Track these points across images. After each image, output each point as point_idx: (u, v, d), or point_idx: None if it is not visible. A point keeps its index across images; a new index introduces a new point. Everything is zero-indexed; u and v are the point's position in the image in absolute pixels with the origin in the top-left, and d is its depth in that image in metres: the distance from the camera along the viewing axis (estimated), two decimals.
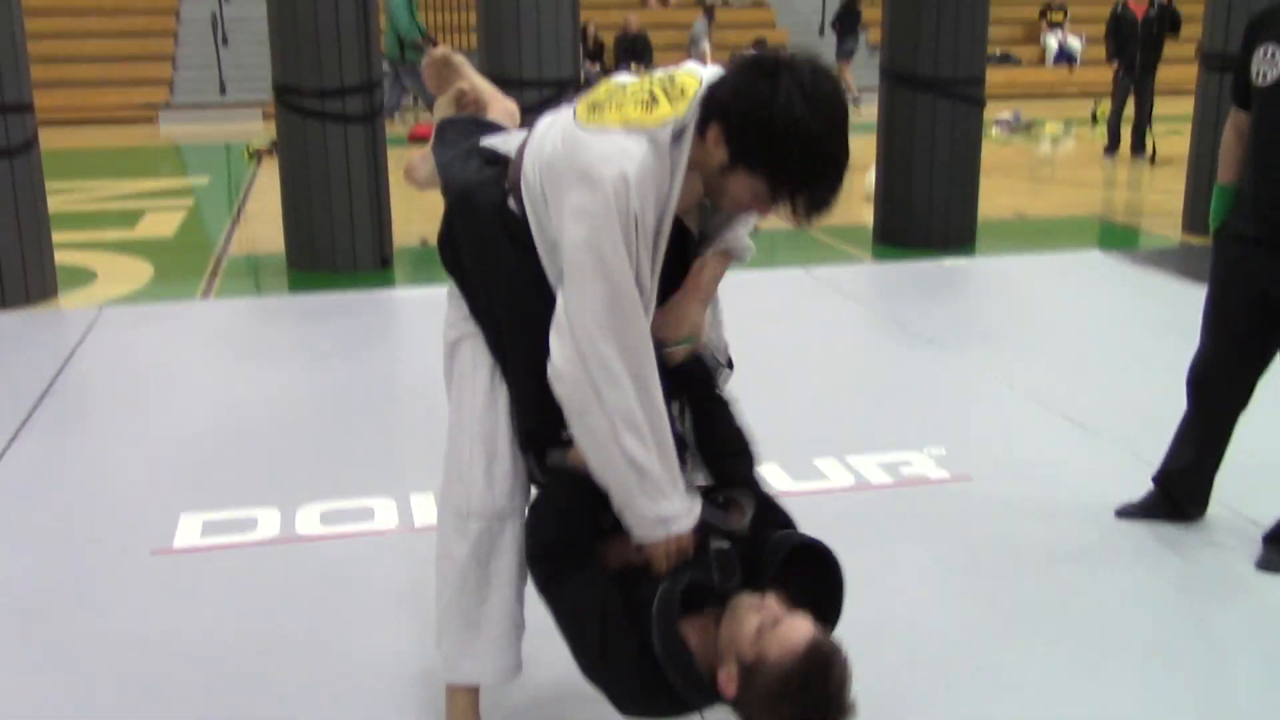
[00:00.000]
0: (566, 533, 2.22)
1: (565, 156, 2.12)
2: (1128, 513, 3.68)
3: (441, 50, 2.73)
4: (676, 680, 2.09)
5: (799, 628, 2.06)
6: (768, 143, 1.98)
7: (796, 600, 2.13)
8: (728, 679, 2.08)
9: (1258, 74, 3.23)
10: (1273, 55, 3.18)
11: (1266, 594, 3.24)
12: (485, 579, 2.39)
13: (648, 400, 2.08)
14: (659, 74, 2.18)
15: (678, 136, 2.07)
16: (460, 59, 2.73)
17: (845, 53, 16.68)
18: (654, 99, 2.10)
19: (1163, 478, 3.65)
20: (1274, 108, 3.20)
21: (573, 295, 2.07)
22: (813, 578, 2.24)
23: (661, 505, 2.12)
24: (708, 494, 2.27)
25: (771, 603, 2.09)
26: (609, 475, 2.12)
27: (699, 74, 2.14)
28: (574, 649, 2.21)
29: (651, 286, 2.12)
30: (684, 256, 2.28)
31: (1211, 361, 3.49)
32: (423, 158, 2.61)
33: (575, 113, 2.17)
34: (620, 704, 2.20)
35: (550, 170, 2.15)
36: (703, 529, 2.19)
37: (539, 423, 2.27)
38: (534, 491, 2.39)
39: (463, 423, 2.37)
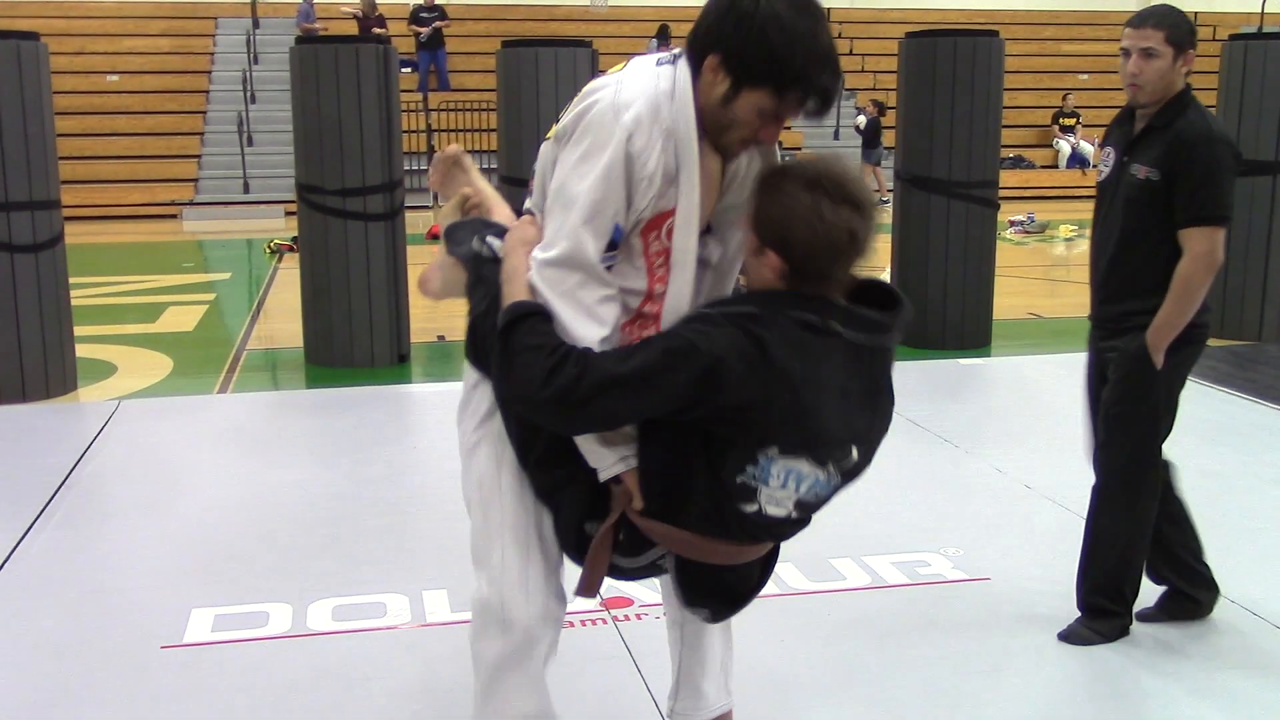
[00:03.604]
0: None
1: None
2: (1147, 617, 3.63)
3: (454, 148, 2.73)
4: None
5: None
6: (767, 51, 2.05)
7: None
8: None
9: (1099, 172, 3.49)
10: (1108, 155, 3.44)
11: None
12: (489, 687, 2.36)
13: None
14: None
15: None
16: (469, 160, 2.75)
17: (876, 159, 17.26)
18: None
19: (1156, 575, 3.63)
20: (1103, 202, 3.44)
21: None
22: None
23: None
24: None
25: None
26: None
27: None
28: None
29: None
30: None
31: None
32: (436, 268, 2.59)
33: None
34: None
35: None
36: None
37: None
38: (544, 602, 2.33)
39: (490, 526, 2.34)
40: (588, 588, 2.25)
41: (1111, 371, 3.40)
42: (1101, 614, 3.49)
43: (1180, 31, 3.22)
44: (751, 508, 2.10)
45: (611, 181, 2.12)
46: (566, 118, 2.21)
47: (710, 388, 1.99)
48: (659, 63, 2.20)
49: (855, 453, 2.17)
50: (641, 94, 2.14)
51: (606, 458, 2.16)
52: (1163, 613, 3.61)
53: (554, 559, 2.36)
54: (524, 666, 2.33)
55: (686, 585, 2.24)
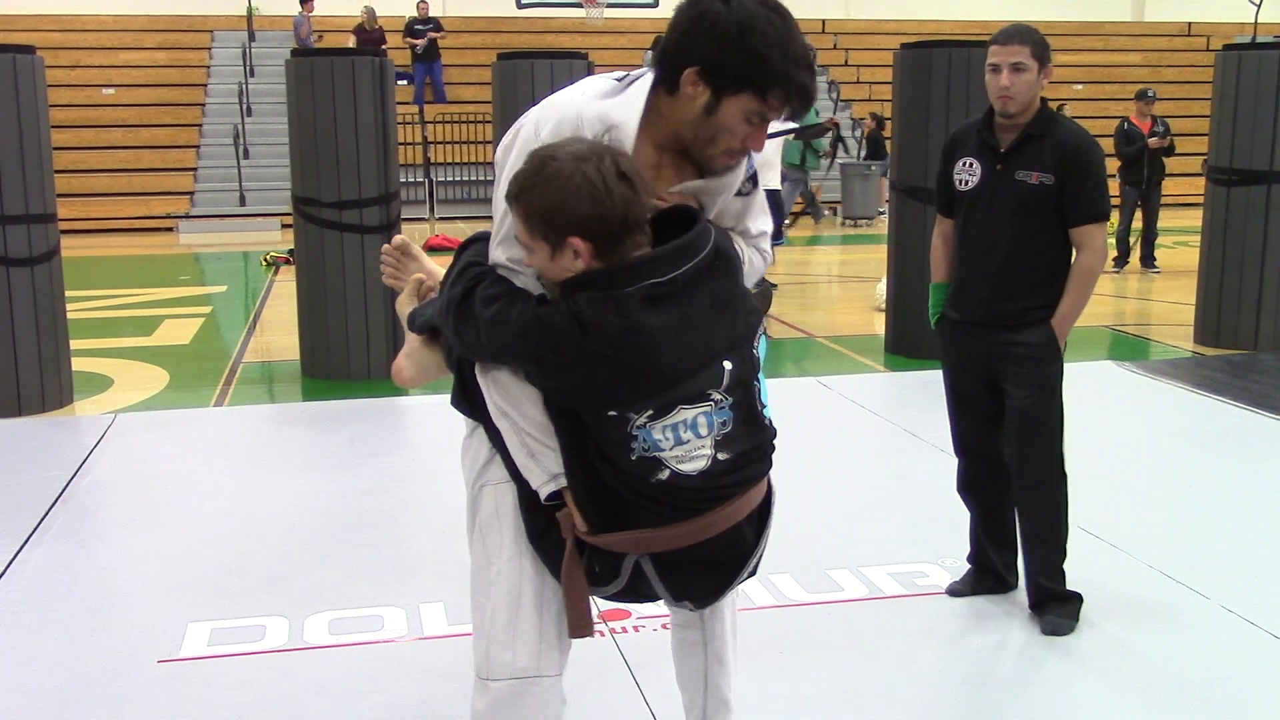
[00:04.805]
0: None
1: None
2: (958, 591, 3.88)
3: (400, 238, 2.73)
4: None
5: None
6: (746, 55, 2.04)
7: None
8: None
9: (960, 182, 3.68)
10: (971, 165, 3.66)
11: None
12: None
13: None
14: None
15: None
16: (417, 247, 2.75)
17: (881, 171, 17.29)
18: None
19: (975, 556, 3.91)
20: (976, 208, 3.64)
21: None
22: None
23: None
24: None
25: None
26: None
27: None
28: None
29: None
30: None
31: (964, 434, 3.89)
32: (405, 355, 2.53)
33: None
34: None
35: None
36: None
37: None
38: (550, 654, 2.26)
39: (483, 577, 2.28)
40: (575, 626, 2.20)
41: (1014, 366, 3.63)
42: (1058, 597, 3.64)
43: (1042, 48, 3.57)
44: (663, 475, 2.04)
45: None
46: (504, 139, 2.20)
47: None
48: (607, 79, 2.19)
49: (728, 365, 2.08)
50: (563, 104, 2.13)
51: (536, 474, 2.14)
52: (972, 589, 3.88)
53: (555, 608, 2.26)
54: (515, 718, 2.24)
55: (670, 578, 2.17)
